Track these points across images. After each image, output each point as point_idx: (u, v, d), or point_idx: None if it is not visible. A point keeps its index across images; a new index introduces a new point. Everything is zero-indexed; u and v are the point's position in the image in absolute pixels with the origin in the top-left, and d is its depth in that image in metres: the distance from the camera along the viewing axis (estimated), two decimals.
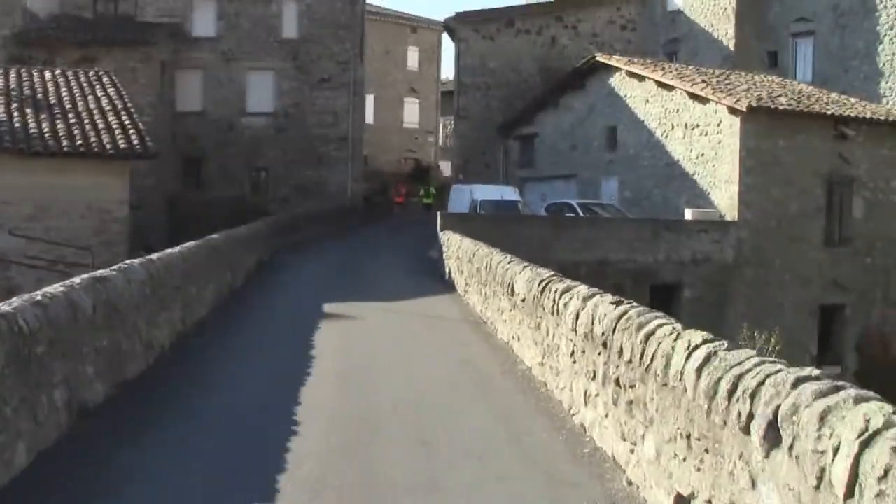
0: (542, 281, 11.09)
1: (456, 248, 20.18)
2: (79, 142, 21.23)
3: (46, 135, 21.20)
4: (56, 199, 20.90)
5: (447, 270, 22.04)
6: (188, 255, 13.83)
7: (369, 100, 56.42)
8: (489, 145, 41.59)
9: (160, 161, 37.52)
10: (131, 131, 22.32)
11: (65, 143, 21.11)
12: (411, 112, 67.23)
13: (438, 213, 26.04)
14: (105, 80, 26.44)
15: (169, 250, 13.46)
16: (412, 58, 67.40)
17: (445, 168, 68.17)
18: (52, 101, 23.39)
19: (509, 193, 30.55)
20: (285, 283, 20.78)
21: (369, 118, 56.79)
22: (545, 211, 30.97)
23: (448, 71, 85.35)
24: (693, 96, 30.33)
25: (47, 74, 25.67)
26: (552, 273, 11.40)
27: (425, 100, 67.91)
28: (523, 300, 11.93)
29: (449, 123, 72.31)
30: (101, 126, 22.32)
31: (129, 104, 24.49)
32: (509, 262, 13.69)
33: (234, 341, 13.02)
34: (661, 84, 32.21)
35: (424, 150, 67.53)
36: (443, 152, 69.67)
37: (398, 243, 33.45)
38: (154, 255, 12.23)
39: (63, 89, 24.54)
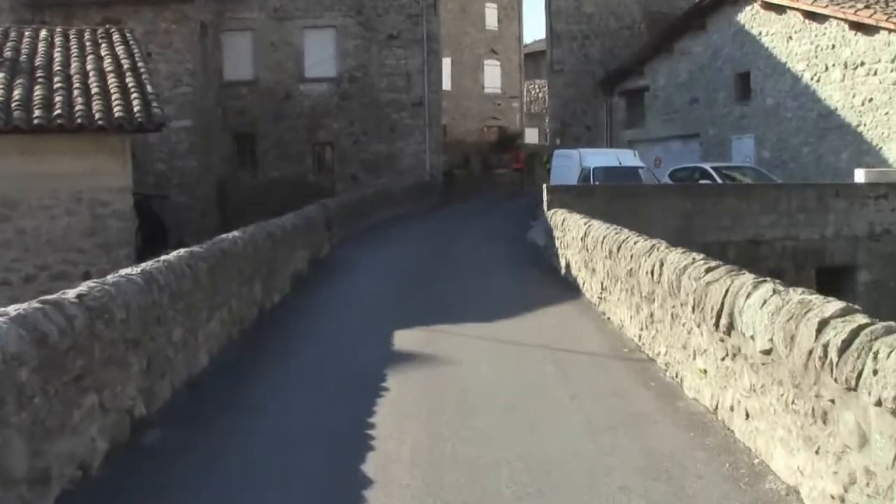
0: (839, 329, 5.23)
1: (579, 235, 14.35)
2: (57, 111, 15.69)
3: (15, 104, 15.70)
4: (31, 189, 15.50)
5: (563, 263, 16.28)
6: (165, 276, 8.22)
7: (445, 63, 50.27)
8: (589, 104, 35.44)
9: (206, 139, 32.40)
10: (134, 95, 16.81)
11: (37, 113, 15.55)
12: (492, 76, 61.02)
13: (544, 186, 20.13)
14: (116, 37, 20.96)
15: (124, 271, 7.85)
16: (491, 16, 61.12)
17: (531, 135, 62.38)
18: (38, 64, 17.92)
19: (628, 158, 24.45)
20: (343, 294, 15.04)
21: (446, 84, 50.67)
22: (669, 179, 24.92)
23: (531, 31, 79.94)
24: (856, 26, 23.94)
25: (42, 33, 20.26)
26: (842, 306, 5.49)
27: (507, 62, 61.67)
28: (767, 352, 6.13)
29: (533, 88, 66.29)
30: (95, 91, 16.79)
31: (141, 63, 19.01)
32: (709, 270, 7.81)
33: (235, 434, 7.36)
34: (808, 15, 25.86)
35: (508, 116, 61.36)
36: (528, 118, 63.61)
37: (489, 225, 27.68)
38: (73, 293, 6.60)
39: (58, 50, 19.11)
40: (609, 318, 11.80)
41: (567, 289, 14.80)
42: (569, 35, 35.18)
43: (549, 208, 19.06)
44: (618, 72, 34.13)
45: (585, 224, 14.05)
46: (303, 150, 35.95)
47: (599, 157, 24.03)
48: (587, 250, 13.52)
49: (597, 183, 22.10)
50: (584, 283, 14.10)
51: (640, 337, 10.06)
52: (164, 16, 30.29)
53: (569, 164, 24.72)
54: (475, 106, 59.47)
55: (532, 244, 21.76)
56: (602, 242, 12.22)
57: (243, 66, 35.81)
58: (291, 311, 12.93)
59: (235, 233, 12.09)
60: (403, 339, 10.70)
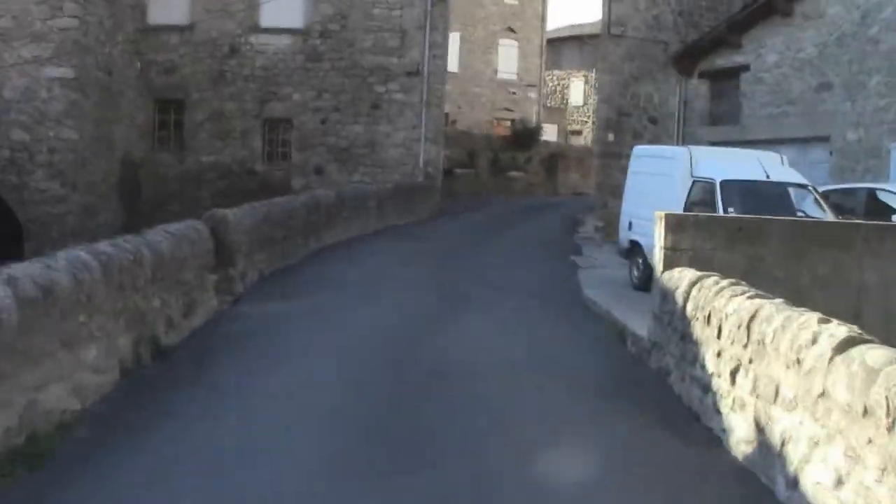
0: None
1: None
2: None
3: None
4: None
5: (738, 423, 6.23)
6: None
7: (453, 39, 40.13)
8: (657, 87, 25.13)
9: (102, 100, 22.28)
10: None
11: None
12: (508, 58, 50.92)
13: (659, 216, 9.73)
14: None
15: None
16: None
17: (550, 132, 52.57)
18: None
19: (776, 168, 14.01)
20: None
21: (453, 65, 40.77)
22: None
23: (554, 14, 71.96)
24: None
25: None
26: None
27: (526, 43, 51.56)
28: None
29: (552, 79, 56.62)
30: None
31: None
32: None
33: None
34: None
35: (523, 108, 51.26)
36: (548, 113, 53.71)
37: (515, 262, 17.50)
38: None
39: None
40: None
41: None
42: None
43: (667, 265, 8.97)
44: (702, 43, 24.01)
45: None
46: (250, 128, 25.80)
47: (729, 164, 13.48)
48: None
49: (731, 210, 11.90)
50: None
51: None
52: None
53: (666, 172, 14.25)
54: (486, 93, 49.59)
55: (605, 319, 11.68)
56: None
57: (175, 6, 25.83)
58: None
59: None
60: None
